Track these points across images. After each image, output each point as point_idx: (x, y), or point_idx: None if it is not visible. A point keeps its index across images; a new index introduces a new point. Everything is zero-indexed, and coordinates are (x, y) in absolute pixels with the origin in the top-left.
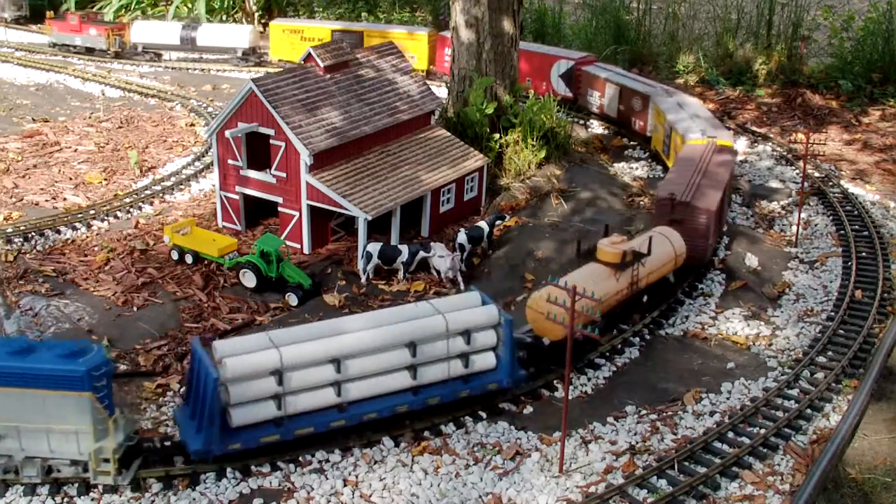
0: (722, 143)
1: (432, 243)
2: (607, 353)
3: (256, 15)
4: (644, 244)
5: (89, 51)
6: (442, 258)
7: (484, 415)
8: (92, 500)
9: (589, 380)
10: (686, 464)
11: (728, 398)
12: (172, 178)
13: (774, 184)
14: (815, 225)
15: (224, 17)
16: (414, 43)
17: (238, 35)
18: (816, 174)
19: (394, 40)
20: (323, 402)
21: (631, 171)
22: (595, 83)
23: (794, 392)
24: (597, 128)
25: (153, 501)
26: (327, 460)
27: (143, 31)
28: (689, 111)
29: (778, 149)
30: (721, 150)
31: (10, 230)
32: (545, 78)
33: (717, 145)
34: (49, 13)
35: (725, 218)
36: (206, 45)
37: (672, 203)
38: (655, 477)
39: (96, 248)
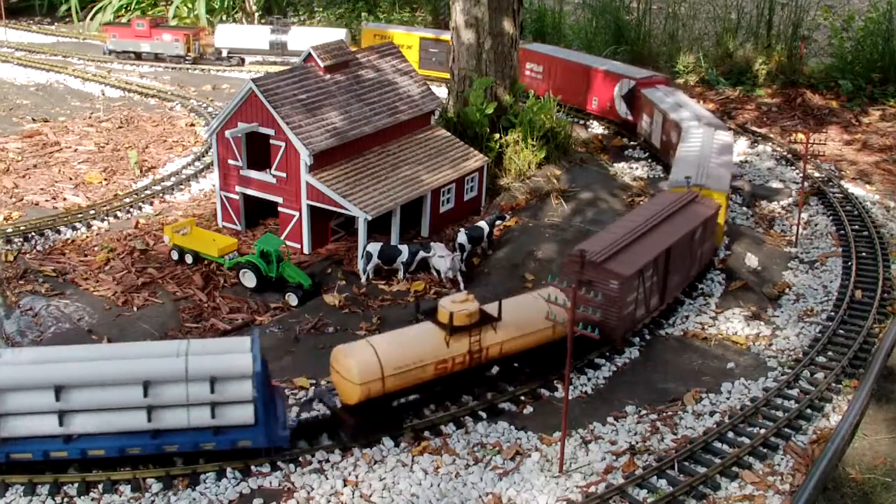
0: (711, 193)
1: (432, 243)
2: (607, 353)
3: (256, 15)
4: (504, 306)
5: (159, 58)
6: (442, 258)
7: (484, 415)
8: (92, 499)
9: (589, 380)
10: (686, 464)
11: (728, 398)
12: (172, 178)
13: (775, 184)
14: (816, 225)
15: (224, 17)
16: None
17: (332, 39)
18: (817, 174)
19: None
20: (43, 429)
21: (631, 171)
22: (647, 108)
23: (794, 392)
24: (597, 128)
25: (153, 501)
26: (327, 460)
27: (228, 36)
28: (712, 148)
29: (778, 149)
30: (699, 203)
31: (10, 230)
32: (610, 99)
33: (701, 196)
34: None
35: (673, 288)
36: (298, 49)
37: (581, 261)
38: (655, 477)
39: (96, 248)
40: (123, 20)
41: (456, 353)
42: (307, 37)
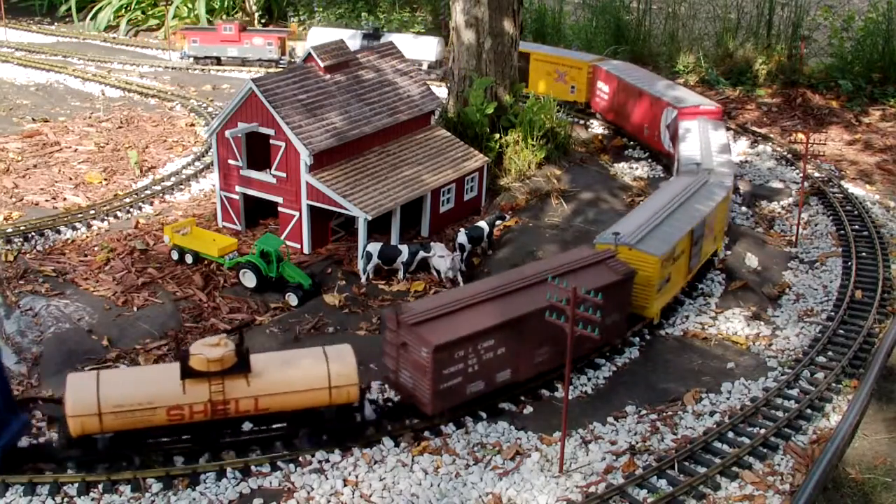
0: (640, 256)
1: (432, 243)
2: (607, 353)
3: (256, 15)
4: (274, 358)
5: (246, 63)
6: (442, 258)
7: (484, 415)
8: (92, 499)
9: (589, 380)
10: (686, 464)
11: (728, 398)
12: (172, 178)
13: (775, 184)
14: (816, 225)
15: (224, 18)
16: (576, 72)
17: (425, 47)
18: (817, 174)
19: (559, 65)
20: None
21: (631, 171)
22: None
23: (794, 392)
24: (597, 128)
25: (153, 501)
26: (327, 460)
27: (321, 40)
28: (698, 205)
29: (778, 149)
30: (609, 265)
31: (10, 230)
32: (657, 128)
33: (617, 258)
34: (173, 22)
35: (543, 362)
36: None
37: (397, 321)
38: (655, 477)
39: (96, 248)
40: (123, 20)
41: (194, 400)
42: (400, 44)
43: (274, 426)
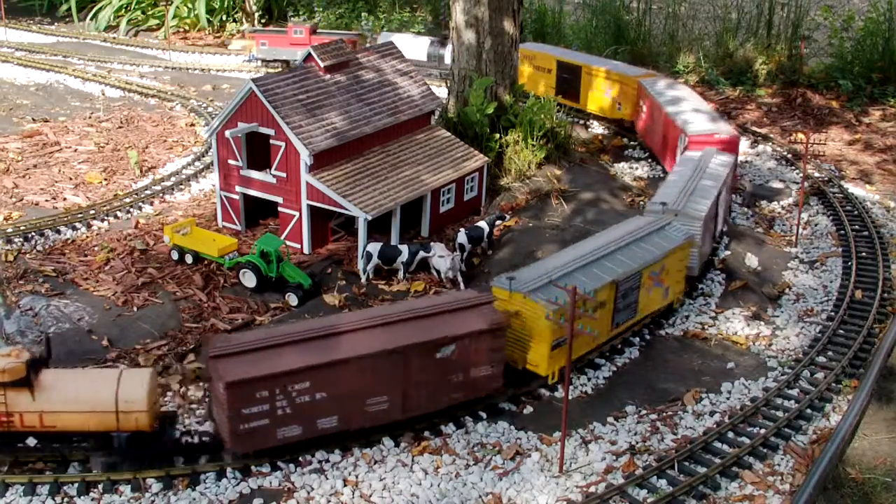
0: (527, 304)
1: (432, 243)
2: (607, 353)
3: (256, 15)
4: (68, 376)
5: None
6: (442, 258)
7: (484, 415)
8: (92, 499)
9: (589, 380)
10: (686, 464)
11: (728, 398)
12: (172, 178)
13: (775, 184)
14: (816, 225)
15: (224, 18)
16: (622, 87)
17: None
18: (817, 174)
19: (608, 79)
20: None
21: (632, 171)
22: None
23: (794, 392)
24: (597, 128)
25: (153, 501)
26: (327, 460)
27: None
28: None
29: (778, 149)
30: (481, 312)
31: (10, 230)
32: (675, 156)
33: (494, 305)
34: (244, 24)
35: (378, 414)
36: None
37: (209, 350)
38: (655, 477)
39: (96, 248)
40: (123, 20)
41: None
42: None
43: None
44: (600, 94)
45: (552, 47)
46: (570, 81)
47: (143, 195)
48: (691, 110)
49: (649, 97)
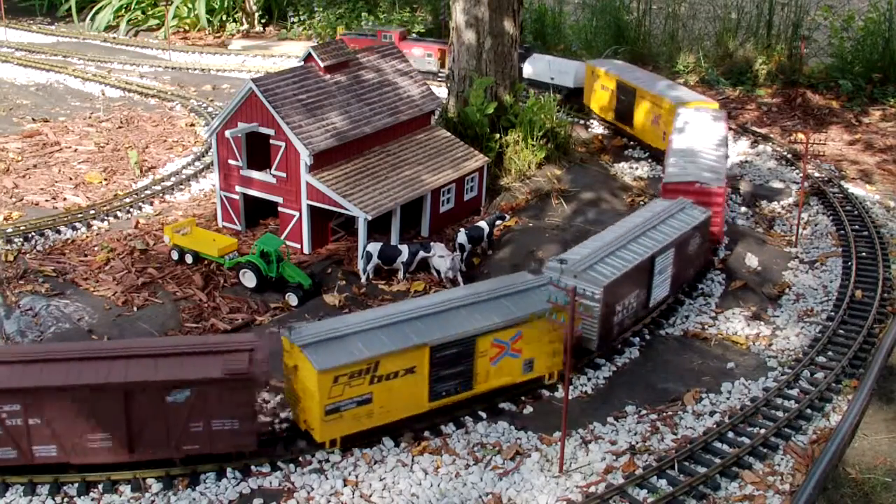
0: (297, 356)
1: (432, 243)
2: (607, 353)
3: (256, 15)
4: None
5: None
6: (442, 258)
7: (484, 415)
8: (92, 499)
9: (589, 380)
10: (686, 464)
11: (728, 398)
12: (172, 178)
13: (775, 184)
14: (816, 225)
15: (224, 18)
16: (664, 113)
17: (566, 71)
18: (817, 174)
19: (655, 105)
20: None
21: (632, 171)
22: None
23: (794, 392)
24: (597, 128)
25: (153, 501)
26: (327, 460)
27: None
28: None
29: (778, 149)
30: (230, 355)
31: (10, 230)
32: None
33: (239, 351)
34: (339, 28)
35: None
36: (531, 76)
37: None
38: (655, 477)
39: (96, 248)
40: (123, 21)
41: None
42: (542, 65)
43: None
44: (647, 121)
45: (619, 64)
46: (626, 105)
47: (143, 195)
48: (700, 148)
49: (673, 125)
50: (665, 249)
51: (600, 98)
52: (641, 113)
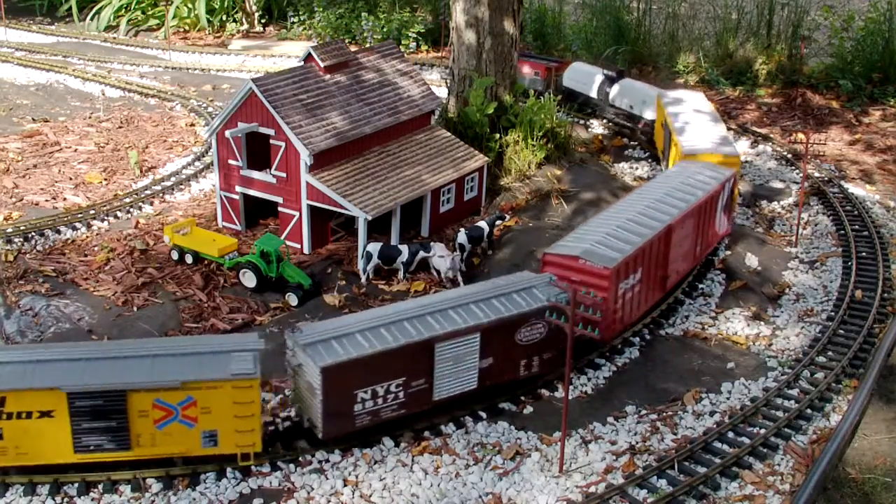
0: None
1: (432, 243)
2: (607, 353)
3: (256, 15)
4: None
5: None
6: (442, 258)
7: (484, 415)
8: (92, 499)
9: (589, 380)
10: (686, 464)
11: (728, 398)
12: (172, 178)
13: (775, 184)
14: (816, 225)
15: (224, 18)
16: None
17: (647, 101)
18: (817, 174)
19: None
20: None
21: (632, 171)
22: None
23: (794, 392)
24: (597, 128)
25: (153, 501)
26: (327, 460)
27: (573, 74)
28: None
29: (779, 149)
30: None
31: (10, 230)
32: None
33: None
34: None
35: None
36: (615, 104)
37: None
38: (655, 477)
39: (96, 248)
40: (123, 21)
41: None
42: (627, 92)
43: None
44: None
45: (679, 94)
46: (668, 146)
47: (143, 195)
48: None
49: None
50: (457, 336)
51: (658, 134)
52: (671, 158)
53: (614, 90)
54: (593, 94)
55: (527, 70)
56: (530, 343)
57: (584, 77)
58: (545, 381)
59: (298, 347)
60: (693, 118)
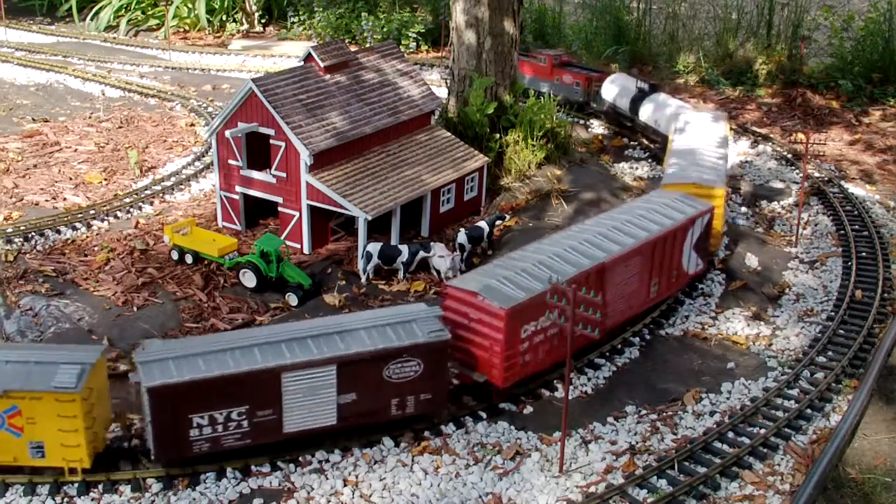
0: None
1: (432, 243)
2: (607, 353)
3: (256, 15)
4: None
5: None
6: (442, 258)
7: (484, 415)
8: (92, 500)
9: (589, 380)
10: (686, 464)
11: (728, 398)
12: (172, 178)
13: (775, 184)
14: (816, 225)
15: (224, 18)
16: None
17: (669, 120)
18: (817, 174)
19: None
20: None
21: (632, 171)
22: None
23: (794, 392)
24: (597, 128)
25: (153, 501)
26: (327, 460)
27: (610, 87)
28: None
29: (779, 149)
30: None
31: (10, 230)
32: None
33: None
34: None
35: None
36: (644, 121)
37: None
38: (655, 477)
39: (96, 248)
40: (123, 21)
41: None
42: (654, 108)
43: None
44: None
45: (705, 115)
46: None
47: (143, 195)
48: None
49: None
50: (309, 367)
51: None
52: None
53: (646, 107)
54: (625, 105)
55: (568, 79)
56: (403, 381)
57: (620, 88)
58: (545, 381)
59: (138, 364)
60: (695, 143)
